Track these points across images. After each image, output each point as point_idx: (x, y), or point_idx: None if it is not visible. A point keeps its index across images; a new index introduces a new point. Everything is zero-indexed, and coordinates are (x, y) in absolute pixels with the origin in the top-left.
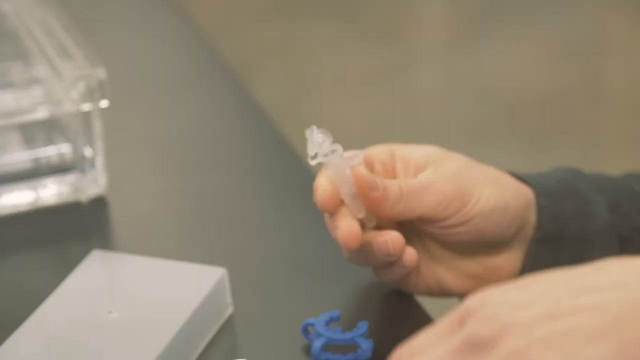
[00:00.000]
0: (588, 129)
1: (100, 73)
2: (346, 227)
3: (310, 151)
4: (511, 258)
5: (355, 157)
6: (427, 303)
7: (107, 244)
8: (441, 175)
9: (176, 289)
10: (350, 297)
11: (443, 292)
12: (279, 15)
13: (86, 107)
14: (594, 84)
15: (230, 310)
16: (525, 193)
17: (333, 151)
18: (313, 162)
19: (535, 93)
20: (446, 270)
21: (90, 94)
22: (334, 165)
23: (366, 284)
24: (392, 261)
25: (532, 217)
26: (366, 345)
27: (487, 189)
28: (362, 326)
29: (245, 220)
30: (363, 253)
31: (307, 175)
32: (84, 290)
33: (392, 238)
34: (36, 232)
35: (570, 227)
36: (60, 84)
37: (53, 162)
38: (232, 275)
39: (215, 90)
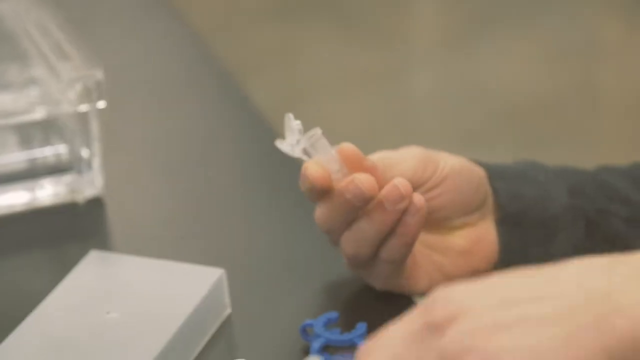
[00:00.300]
0: (585, 131)
1: (98, 74)
2: (360, 175)
3: (290, 139)
4: (488, 229)
5: (318, 134)
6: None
7: (104, 245)
8: (407, 149)
9: (174, 289)
10: (348, 298)
11: (448, 279)
12: (275, 17)
13: (83, 108)
14: (591, 85)
15: (228, 310)
16: (478, 169)
17: (313, 135)
18: (296, 150)
19: (532, 95)
20: (441, 255)
21: (88, 95)
22: (321, 147)
23: (365, 285)
24: (401, 209)
25: (490, 197)
26: None
27: (447, 156)
28: (361, 327)
29: (243, 220)
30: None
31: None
32: (82, 291)
33: (397, 181)
34: (33, 233)
35: (530, 212)
36: (58, 85)
37: (50, 162)
38: (230, 275)
39: (212, 92)
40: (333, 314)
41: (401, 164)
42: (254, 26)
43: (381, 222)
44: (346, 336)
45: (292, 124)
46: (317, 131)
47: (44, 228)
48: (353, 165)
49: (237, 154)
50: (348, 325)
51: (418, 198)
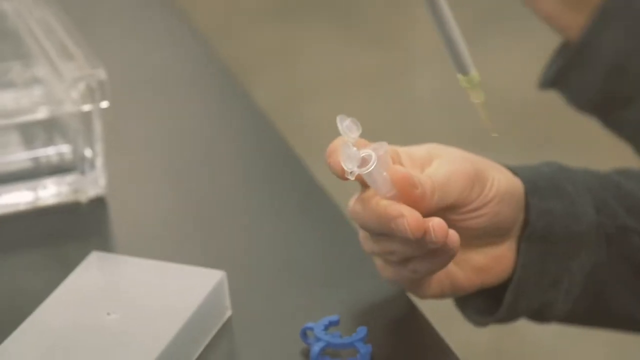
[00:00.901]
0: (589, 133)
1: (101, 74)
2: (411, 214)
3: (347, 163)
4: (511, 247)
5: (381, 148)
6: (426, 309)
7: (106, 245)
8: (455, 162)
9: (175, 291)
10: (349, 302)
11: (454, 291)
12: (275, 17)
13: (86, 107)
14: None
15: (228, 313)
16: (519, 184)
17: (371, 161)
18: (351, 177)
19: (534, 95)
20: (457, 268)
21: (91, 95)
22: (375, 173)
23: (366, 289)
24: (434, 248)
25: (522, 214)
26: (365, 350)
27: (497, 173)
28: (361, 331)
29: (245, 223)
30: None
31: (308, 178)
32: (83, 292)
33: (434, 224)
34: (35, 233)
35: (557, 227)
36: (61, 85)
37: (53, 162)
38: (231, 278)
39: (215, 92)
40: (334, 318)
41: (450, 185)
42: (255, 26)
43: (415, 249)
44: (346, 340)
45: (352, 152)
46: (377, 151)
47: (47, 228)
48: (404, 192)
49: (239, 155)
50: (348, 329)
51: (453, 239)
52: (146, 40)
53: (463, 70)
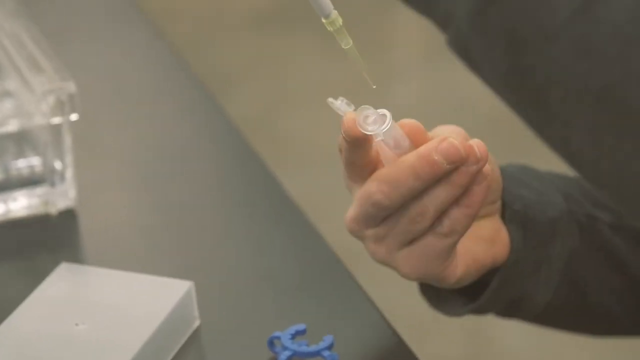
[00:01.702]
0: None
1: (70, 87)
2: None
3: (371, 126)
4: (500, 222)
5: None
6: (391, 316)
7: (76, 257)
8: (450, 127)
9: (143, 302)
10: (316, 311)
11: (477, 267)
12: (257, 28)
13: (56, 120)
14: None
15: (197, 323)
16: None
17: (388, 117)
18: (380, 137)
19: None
20: (472, 243)
21: (60, 108)
22: (394, 128)
23: (332, 297)
24: (475, 172)
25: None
26: (331, 359)
27: None
28: (328, 339)
29: (214, 233)
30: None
31: (277, 189)
32: (52, 303)
33: (474, 141)
34: (5, 245)
35: (532, 212)
36: (31, 97)
37: (23, 175)
38: (200, 288)
39: (187, 104)
40: (300, 326)
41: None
42: (237, 36)
43: (455, 186)
44: (313, 348)
45: (371, 112)
46: (388, 117)
47: (17, 240)
48: (419, 139)
49: (210, 166)
50: (315, 338)
51: (485, 165)
52: (119, 53)
53: (322, 12)
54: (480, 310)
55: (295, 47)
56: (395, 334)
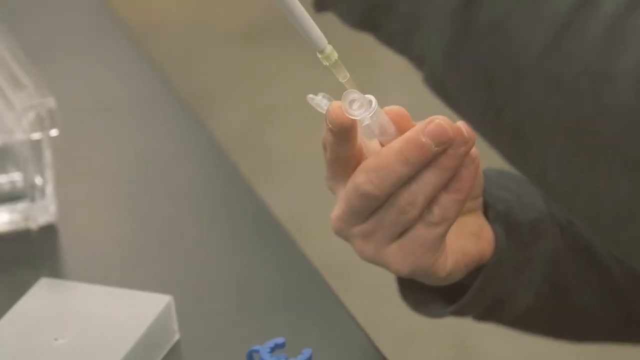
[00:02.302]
0: None
1: (50, 102)
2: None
3: (357, 110)
4: (484, 219)
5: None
6: (371, 329)
7: (56, 272)
8: None
9: (123, 316)
10: (295, 324)
11: (466, 261)
12: (243, 42)
13: (36, 136)
14: None
15: (176, 337)
16: None
17: (374, 102)
18: (367, 120)
19: None
20: (458, 237)
21: (40, 123)
22: (380, 112)
23: (311, 311)
24: (463, 154)
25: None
26: None
27: None
28: (306, 353)
29: (195, 248)
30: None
31: (258, 204)
32: (31, 317)
33: (462, 123)
34: None
35: (515, 212)
36: (11, 113)
37: (5, 190)
38: (181, 302)
39: (167, 119)
40: (279, 340)
41: None
42: (222, 50)
43: (444, 169)
44: None
45: (316, 102)
46: (373, 102)
47: None
48: (404, 124)
49: (192, 182)
50: (294, 351)
51: (472, 149)
52: (101, 68)
53: (317, 47)
54: (462, 312)
55: (281, 61)
56: (374, 347)
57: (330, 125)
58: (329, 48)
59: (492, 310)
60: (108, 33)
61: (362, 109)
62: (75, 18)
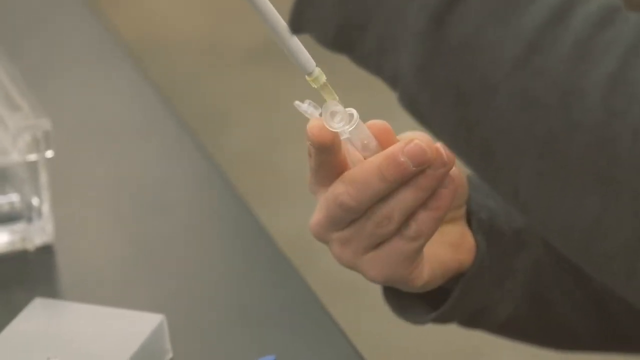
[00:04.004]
0: None
1: (45, 124)
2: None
3: (337, 123)
4: (466, 228)
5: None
6: (363, 347)
7: (52, 292)
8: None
9: (115, 335)
10: (285, 342)
11: (443, 271)
12: (254, 61)
13: (32, 157)
14: None
15: (169, 355)
16: None
17: (355, 116)
18: (346, 134)
19: None
20: (436, 246)
21: (36, 145)
22: (361, 126)
23: (301, 328)
24: (441, 175)
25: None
26: None
27: None
28: None
29: (188, 267)
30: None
31: (252, 222)
32: (24, 337)
33: (439, 144)
34: None
35: (499, 221)
36: (7, 135)
37: (3, 211)
38: (175, 320)
39: (164, 139)
40: (270, 358)
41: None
42: (232, 70)
43: (422, 189)
44: None
45: (303, 108)
46: (355, 116)
47: None
48: (386, 139)
49: (186, 202)
50: None
51: (452, 169)
52: (100, 89)
53: (305, 70)
54: (442, 319)
55: (295, 78)
56: None
57: (309, 142)
58: (317, 70)
59: (473, 319)
60: (108, 53)
61: (342, 122)
62: (75, 38)
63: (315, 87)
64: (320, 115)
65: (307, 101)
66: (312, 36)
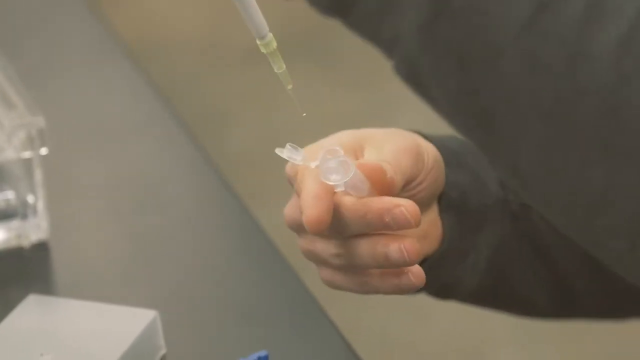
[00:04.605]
0: None
1: (40, 121)
2: (407, 202)
3: (334, 175)
4: (436, 212)
5: (336, 149)
6: (356, 343)
7: (47, 289)
8: (394, 139)
9: (108, 331)
10: (278, 338)
11: None
12: (254, 60)
13: (26, 154)
14: None
15: (163, 351)
16: (438, 153)
17: (350, 164)
18: (341, 188)
19: None
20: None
21: (30, 142)
22: (355, 174)
23: (294, 324)
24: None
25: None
26: None
27: (421, 140)
28: None
29: (182, 264)
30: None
31: (247, 220)
32: (18, 334)
33: (405, 245)
34: None
35: (470, 199)
36: (2, 133)
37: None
38: (168, 316)
39: (159, 137)
40: (262, 353)
41: (402, 163)
42: (233, 68)
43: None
44: None
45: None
46: (351, 167)
47: None
48: (377, 181)
49: (178, 198)
50: None
51: (417, 273)
52: (98, 87)
53: (258, 33)
54: None
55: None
56: (358, 359)
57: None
58: (269, 35)
59: (442, 291)
60: (107, 53)
61: (339, 174)
62: (74, 38)
63: (265, 52)
64: (302, 161)
65: (287, 145)
66: (307, 0)
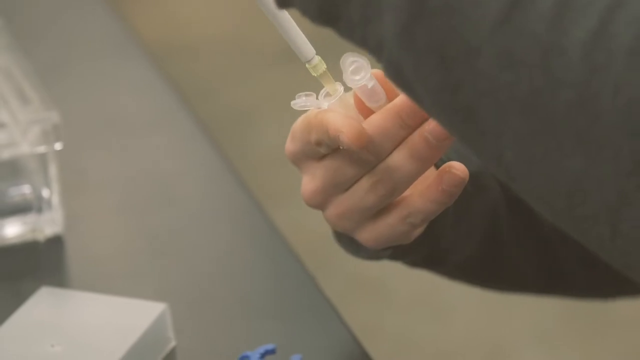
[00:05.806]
0: None
1: (54, 116)
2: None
3: (360, 73)
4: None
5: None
6: (362, 336)
7: (60, 282)
8: None
9: (118, 323)
10: (285, 331)
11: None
12: (278, 60)
13: (41, 149)
14: None
15: (172, 343)
16: None
17: (367, 63)
18: (371, 82)
19: None
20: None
21: (45, 137)
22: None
23: (302, 318)
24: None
25: None
26: None
27: None
28: (296, 359)
29: (195, 258)
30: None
31: (257, 215)
32: (29, 325)
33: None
34: None
35: (466, 162)
36: (18, 128)
37: (15, 202)
38: (178, 309)
39: (174, 133)
40: (270, 346)
41: None
42: (257, 69)
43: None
44: None
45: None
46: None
47: (3, 265)
48: (388, 89)
49: (191, 193)
50: (284, 357)
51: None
52: (114, 83)
53: (303, 58)
54: (397, 257)
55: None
56: (365, 353)
57: (348, 145)
58: (316, 58)
59: (428, 260)
60: (123, 48)
61: (362, 72)
62: (93, 34)
63: (315, 75)
64: (318, 98)
65: (299, 95)
66: (299, 10)
